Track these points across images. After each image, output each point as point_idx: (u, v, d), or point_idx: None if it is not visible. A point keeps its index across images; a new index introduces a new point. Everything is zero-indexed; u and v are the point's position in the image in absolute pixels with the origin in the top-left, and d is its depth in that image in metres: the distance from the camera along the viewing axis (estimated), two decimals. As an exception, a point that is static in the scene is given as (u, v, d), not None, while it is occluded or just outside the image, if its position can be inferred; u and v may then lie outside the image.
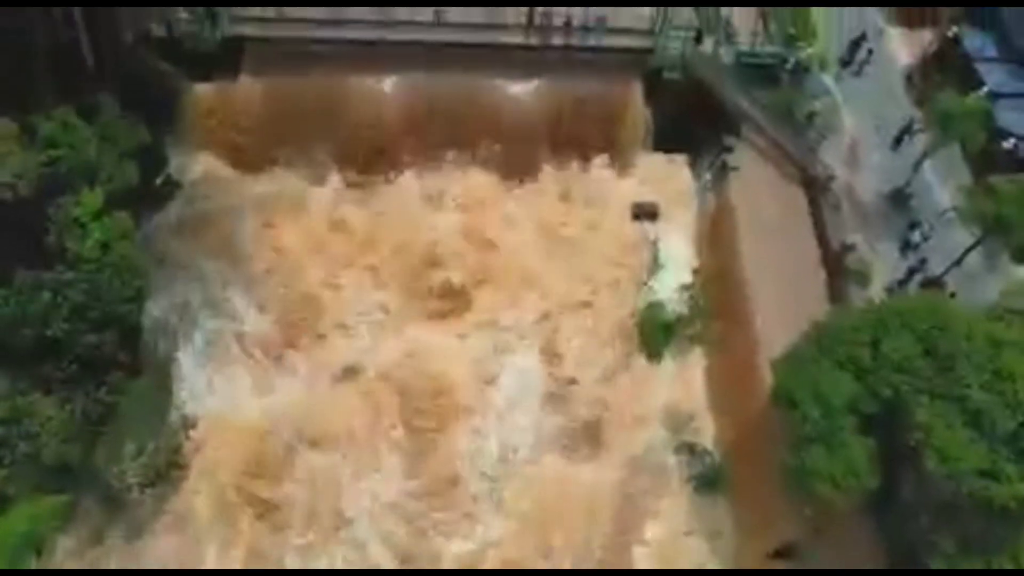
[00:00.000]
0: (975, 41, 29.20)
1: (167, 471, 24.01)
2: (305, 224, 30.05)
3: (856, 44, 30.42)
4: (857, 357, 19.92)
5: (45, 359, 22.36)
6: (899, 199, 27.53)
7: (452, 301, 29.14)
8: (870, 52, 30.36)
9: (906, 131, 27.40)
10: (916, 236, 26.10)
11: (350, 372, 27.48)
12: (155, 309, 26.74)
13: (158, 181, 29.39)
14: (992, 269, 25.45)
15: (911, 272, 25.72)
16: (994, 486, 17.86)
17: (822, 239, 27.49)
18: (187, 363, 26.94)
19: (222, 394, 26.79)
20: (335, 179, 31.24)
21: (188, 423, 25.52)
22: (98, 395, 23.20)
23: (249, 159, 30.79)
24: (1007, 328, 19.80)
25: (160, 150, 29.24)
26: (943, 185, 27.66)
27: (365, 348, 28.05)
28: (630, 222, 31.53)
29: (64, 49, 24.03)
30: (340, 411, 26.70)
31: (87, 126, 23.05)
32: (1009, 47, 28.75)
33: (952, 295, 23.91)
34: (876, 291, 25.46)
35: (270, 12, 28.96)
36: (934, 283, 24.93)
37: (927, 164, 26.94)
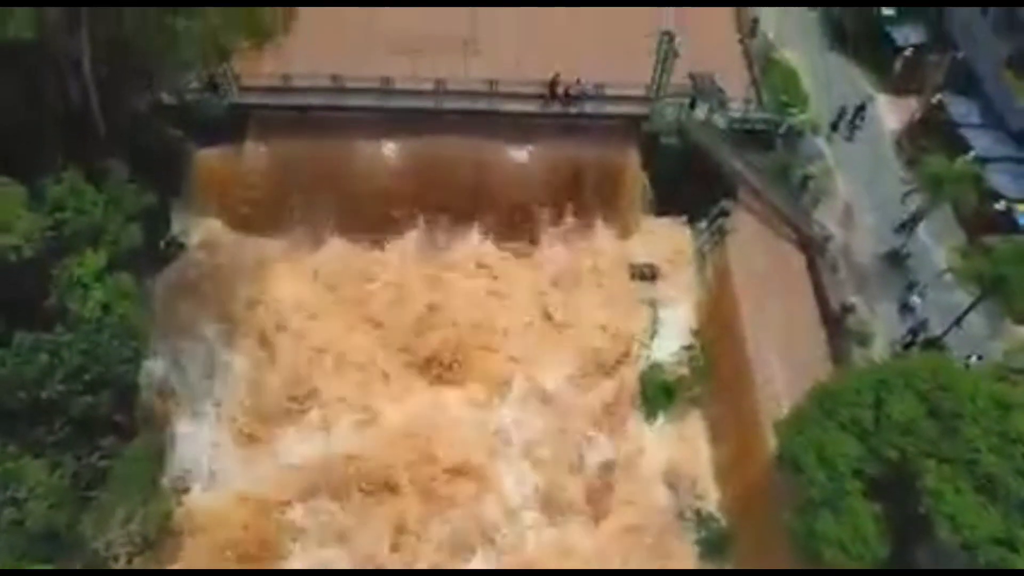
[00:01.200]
0: (960, 108, 30.04)
1: (157, 538, 23.34)
2: (305, 287, 30.23)
3: (846, 112, 31.21)
4: (860, 419, 19.65)
5: (38, 422, 22.13)
6: (896, 260, 27.77)
7: (452, 367, 28.98)
8: (862, 119, 31.10)
9: (916, 218, 27.60)
10: (915, 297, 26.12)
11: (347, 439, 27.04)
12: (153, 370, 26.63)
13: (162, 243, 29.82)
14: (993, 329, 25.42)
15: (911, 332, 25.66)
16: (1011, 556, 17.29)
17: (821, 300, 27.54)
18: (182, 426, 26.62)
19: (217, 459, 26.32)
20: (336, 243, 31.62)
21: (180, 488, 24.99)
22: (90, 459, 22.88)
23: (252, 222, 31.25)
24: (1013, 389, 19.61)
25: (165, 212, 29.78)
26: (939, 246, 27.94)
27: (362, 415, 27.71)
28: (629, 283, 31.69)
29: (76, 116, 24.77)
30: (338, 479, 26.17)
31: (95, 190, 23.54)
32: (992, 114, 29.56)
33: (969, 360, 23.62)
34: (877, 351, 25.35)
35: (276, 81, 29.98)
36: (935, 343, 24.84)
37: (922, 225, 27.27)
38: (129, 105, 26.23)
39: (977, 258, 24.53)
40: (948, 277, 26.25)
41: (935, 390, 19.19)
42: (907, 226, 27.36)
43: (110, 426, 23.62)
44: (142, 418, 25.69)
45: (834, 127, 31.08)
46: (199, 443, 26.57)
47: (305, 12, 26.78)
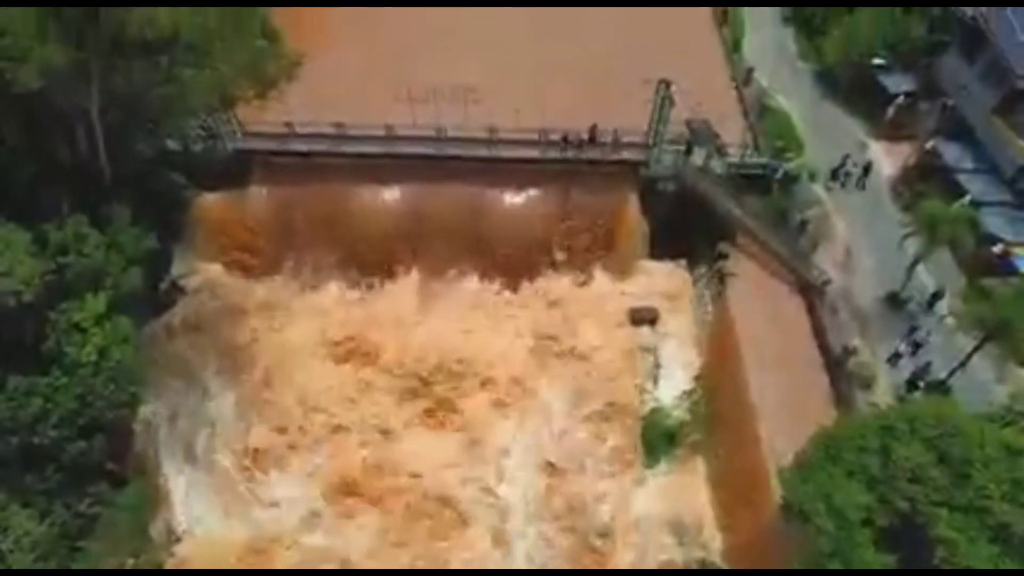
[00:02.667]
0: (953, 153, 30.48)
1: (146, 591, 22.65)
2: (304, 331, 30.11)
3: (848, 171, 31.49)
4: (867, 465, 19.25)
5: (28, 469, 21.70)
6: (896, 303, 27.73)
7: (451, 411, 28.72)
8: (866, 174, 31.34)
9: (915, 261, 27.49)
10: (913, 342, 25.93)
11: (345, 484, 26.55)
12: (148, 414, 26.34)
13: (162, 287, 29.84)
14: (997, 372, 25.20)
15: (914, 376, 25.42)
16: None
17: (822, 343, 27.39)
18: (175, 472, 26.20)
19: (210, 506, 25.79)
20: (336, 286, 31.71)
21: (172, 537, 24.36)
22: (80, 507, 22.35)
23: (253, 266, 31.43)
24: (1022, 435, 19.29)
25: (166, 256, 29.95)
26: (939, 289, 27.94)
27: (360, 459, 27.25)
28: (629, 328, 31.55)
29: (83, 162, 25.10)
30: (334, 527, 25.55)
31: (98, 234, 23.66)
32: (985, 159, 29.98)
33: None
34: (880, 395, 25.06)
35: (279, 128, 30.50)
36: (939, 387, 24.58)
37: (920, 268, 27.33)
38: (135, 151, 26.60)
39: (979, 302, 24.46)
40: (949, 320, 26.12)
41: (942, 436, 18.88)
42: (908, 269, 27.40)
43: (101, 473, 23.20)
44: (134, 464, 25.27)
45: (835, 178, 31.24)
46: (192, 489, 26.03)
47: (309, 61, 27.38)
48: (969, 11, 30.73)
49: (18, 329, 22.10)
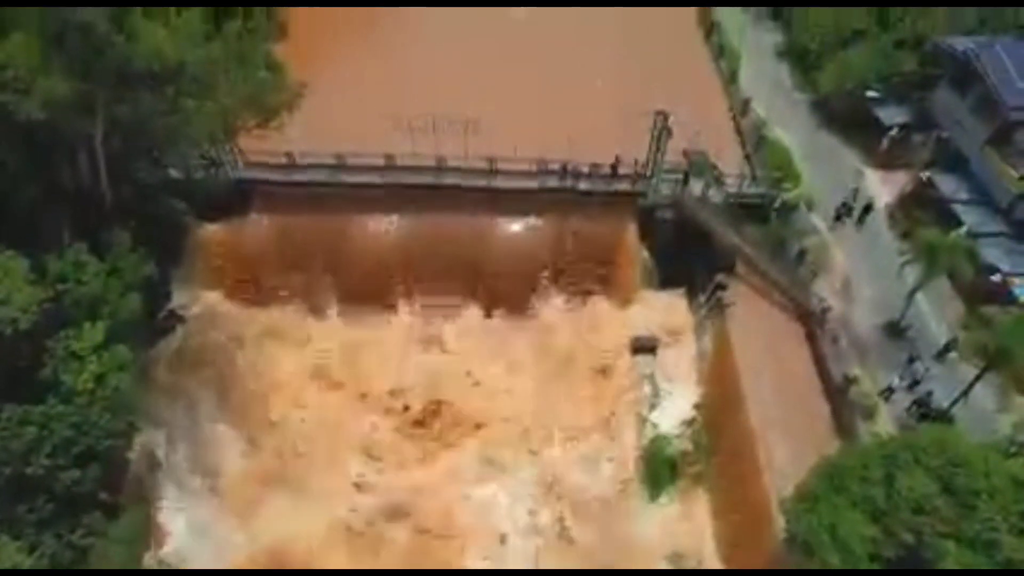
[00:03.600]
0: (949, 184, 30.73)
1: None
2: (303, 359, 30.04)
3: (849, 208, 31.57)
4: (872, 496, 18.97)
5: (19, 499, 21.33)
6: (896, 331, 27.70)
7: (449, 440, 28.48)
8: (867, 213, 31.48)
9: (914, 290, 27.36)
10: (911, 376, 25.78)
11: (341, 509, 26.18)
12: (144, 443, 26.00)
13: (160, 315, 29.76)
14: (999, 401, 25.05)
15: (915, 404, 25.27)
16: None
17: (823, 372, 27.29)
18: (170, 501, 25.84)
19: (205, 535, 25.38)
20: (335, 315, 31.70)
21: (165, 568, 23.84)
22: (71, 538, 21.89)
23: (252, 294, 31.39)
24: (1027, 465, 19.05)
25: (165, 284, 29.90)
26: (938, 317, 27.97)
27: (357, 486, 26.90)
28: (630, 357, 31.45)
29: (85, 190, 25.24)
30: (331, 557, 25.08)
31: (97, 262, 23.67)
32: (980, 190, 30.21)
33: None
34: (882, 424, 24.87)
35: (281, 158, 30.77)
36: (941, 416, 24.41)
37: (920, 297, 27.36)
38: (136, 179, 26.75)
39: (979, 330, 24.42)
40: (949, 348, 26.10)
41: (946, 465, 18.65)
42: (907, 297, 27.42)
43: (95, 503, 22.77)
44: (129, 494, 24.87)
45: (839, 218, 31.37)
46: (187, 519, 25.64)
47: (310, 92, 27.75)
48: (960, 46, 31.29)
49: (14, 357, 21.93)
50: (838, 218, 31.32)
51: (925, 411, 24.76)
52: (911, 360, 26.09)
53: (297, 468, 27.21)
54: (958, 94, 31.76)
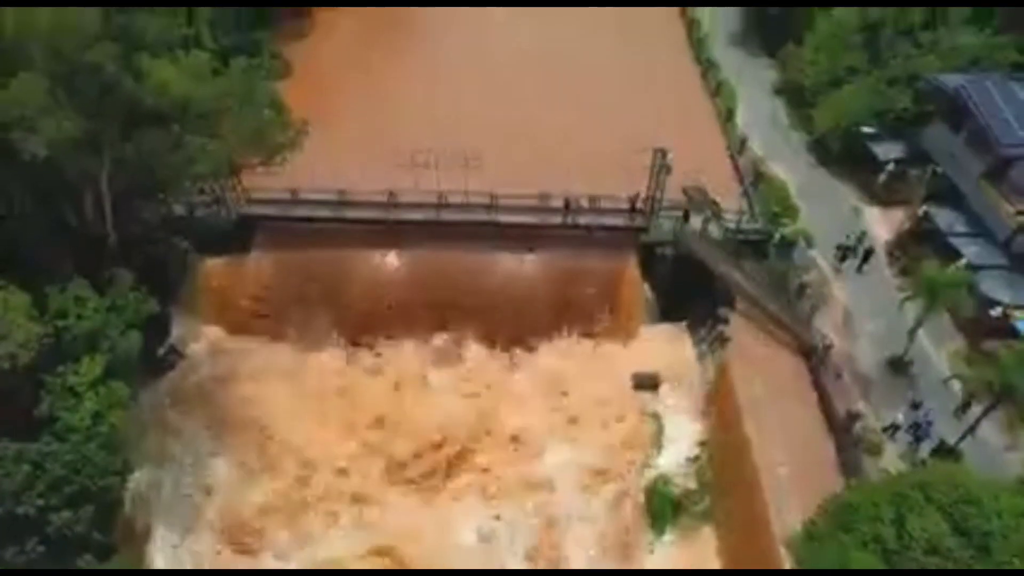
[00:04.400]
0: (946, 218, 30.91)
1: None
2: (302, 397, 29.71)
3: (852, 250, 31.38)
4: (882, 536, 18.51)
5: (8, 540, 20.89)
6: (899, 367, 27.54)
7: (450, 479, 28.11)
8: (867, 258, 31.24)
9: (915, 324, 27.12)
10: (921, 416, 25.50)
11: (339, 550, 25.65)
12: (139, 482, 25.62)
13: (160, 351, 29.62)
14: (1006, 437, 24.77)
15: (917, 440, 24.97)
16: None
17: (827, 408, 27.04)
18: (165, 543, 25.23)
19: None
20: (336, 351, 31.54)
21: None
22: (62, 580, 21.38)
23: (253, 331, 31.30)
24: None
25: (165, 320, 29.83)
26: (940, 352, 27.85)
27: (357, 530, 26.42)
28: (632, 393, 31.20)
29: (89, 227, 25.40)
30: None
31: (98, 297, 23.68)
32: (978, 223, 30.37)
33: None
34: (889, 460, 24.54)
35: (284, 194, 31.03)
36: (950, 452, 24.10)
37: (922, 332, 27.28)
38: (140, 217, 26.95)
39: (983, 366, 24.28)
40: (954, 383, 25.90)
41: (957, 504, 18.29)
42: (909, 332, 27.32)
43: (87, 544, 22.28)
44: (123, 534, 24.33)
45: (842, 261, 31.28)
46: (181, 558, 25.03)
47: (313, 129, 28.17)
48: (951, 84, 31.86)
49: (11, 393, 21.78)
50: (842, 260, 31.22)
51: (935, 448, 24.45)
52: (915, 406, 25.73)
53: (296, 505, 26.68)
54: (951, 130, 32.19)
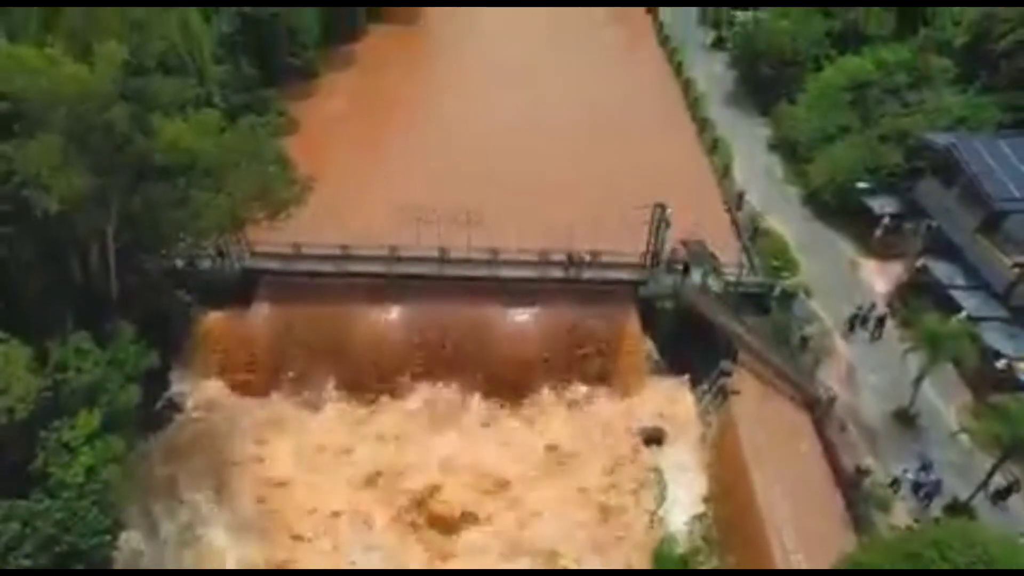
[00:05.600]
0: (944, 271, 31.16)
1: None
2: (301, 452, 29.25)
3: (864, 318, 30.96)
4: (896, 598, 18.02)
5: (-4, 601, 20.19)
6: (905, 420, 27.25)
7: (450, 536, 27.37)
8: (881, 325, 30.79)
9: (920, 377, 26.85)
10: (931, 477, 25.03)
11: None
12: (131, 541, 24.85)
13: (158, 405, 29.28)
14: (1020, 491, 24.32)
15: (927, 497, 24.45)
16: None
17: (833, 463, 26.59)
18: (154, 606, 24.34)
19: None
20: (336, 406, 31.12)
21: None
22: (46, 648, 20.50)
23: (253, 384, 31.03)
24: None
25: (165, 372, 29.59)
26: (947, 405, 27.61)
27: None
28: (634, 448, 30.71)
29: (93, 280, 25.49)
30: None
31: (99, 350, 23.56)
32: (976, 275, 30.60)
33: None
34: (900, 516, 23.98)
35: (287, 248, 31.30)
36: (962, 508, 23.59)
37: (927, 384, 27.10)
38: (143, 269, 27.10)
39: (992, 420, 24.03)
40: (962, 437, 25.58)
41: (974, 563, 17.80)
42: (914, 384, 27.12)
43: (75, 606, 21.51)
44: (112, 597, 23.52)
45: (852, 329, 30.86)
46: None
47: (320, 186, 28.64)
48: (941, 141, 32.69)
49: (5, 448, 21.41)
50: (851, 329, 30.78)
51: (948, 504, 23.93)
52: (923, 467, 25.31)
53: (294, 561, 25.85)
54: (944, 185, 32.85)
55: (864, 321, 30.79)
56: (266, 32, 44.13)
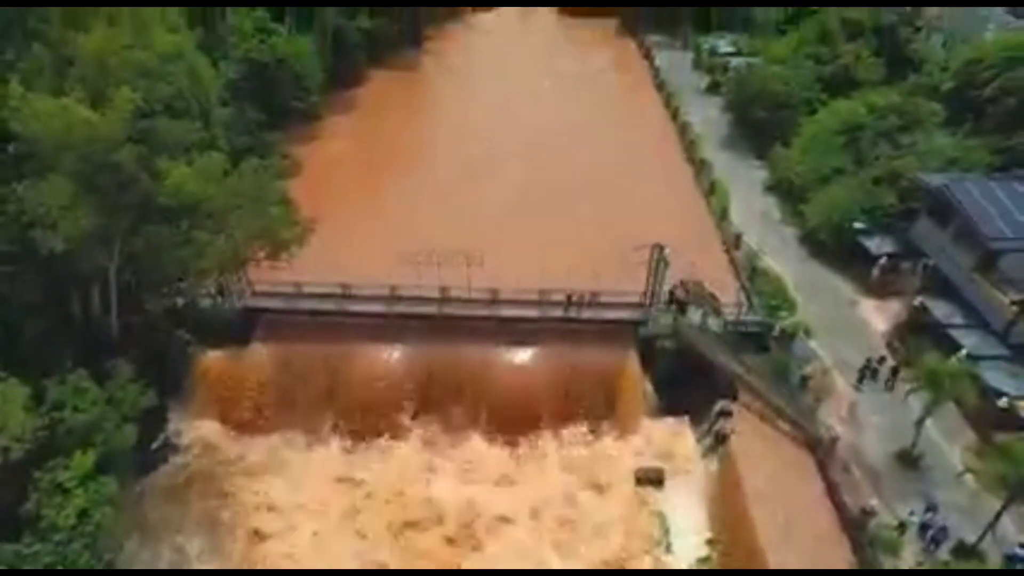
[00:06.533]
0: (943, 309, 31.22)
1: None
2: (298, 493, 28.79)
3: (875, 370, 30.25)
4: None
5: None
6: (909, 460, 26.93)
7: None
8: (894, 371, 30.01)
9: (922, 417, 26.32)
10: (937, 520, 24.69)
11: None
12: (121, 586, 24.29)
13: (155, 444, 29.00)
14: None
15: (934, 541, 23.98)
16: None
17: (837, 504, 26.17)
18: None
19: None
20: (334, 445, 30.86)
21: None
22: None
23: (250, 424, 30.81)
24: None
25: (163, 411, 29.40)
26: (950, 444, 27.34)
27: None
28: (635, 489, 30.28)
29: (93, 319, 25.56)
30: None
31: (97, 389, 23.48)
32: (974, 315, 30.66)
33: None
34: (908, 559, 23.49)
35: (288, 287, 31.45)
36: (971, 551, 23.12)
37: (930, 424, 26.89)
38: (143, 308, 27.19)
39: (996, 460, 23.78)
40: (967, 477, 25.25)
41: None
42: (916, 424, 26.88)
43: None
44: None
45: (862, 379, 30.16)
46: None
47: (322, 227, 28.96)
48: (933, 183, 33.18)
49: (-1, 489, 21.18)
50: (860, 380, 30.10)
51: (956, 547, 23.47)
52: (929, 509, 24.91)
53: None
54: (938, 225, 33.18)
55: (875, 373, 30.04)
56: (271, 78, 45.36)
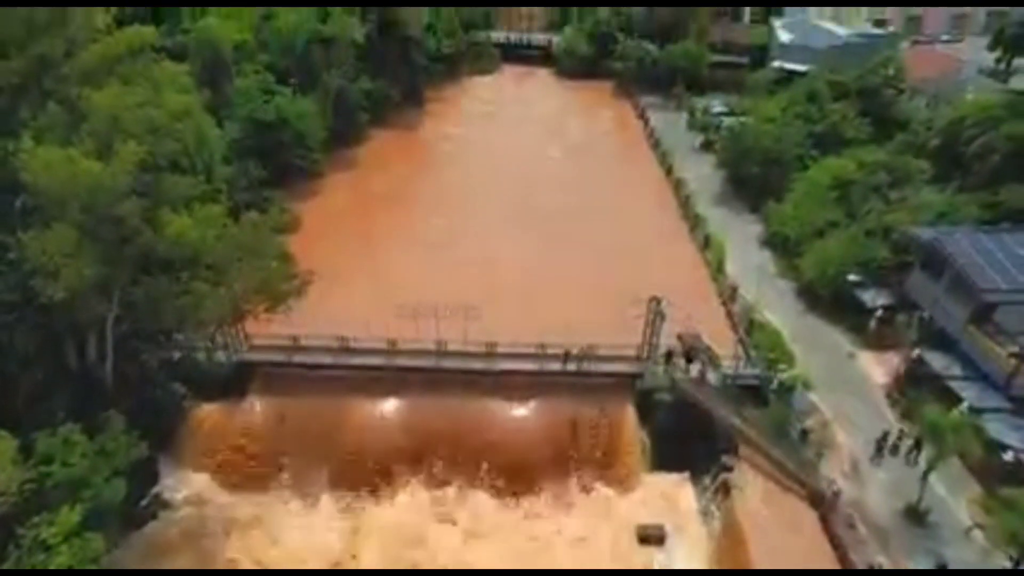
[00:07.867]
0: (940, 361, 31.13)
1: None
2: (293, 550, 27.98)
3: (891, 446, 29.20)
4: None
5: None
6: (915, 515, 26.34)
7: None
8: (917, 444, 28.40)
9: (926, 471, 25.89)
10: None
11: None
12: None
13: (145, 500, 28.33)
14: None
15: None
16: None
17: (843, 560, 25.43)
18: None
19: None
20: (330, 502, 30.17)
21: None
22: None
23: (243, 480, 30.20)
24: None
25: (153, 465, 28.85)
26: (956, 498, 26.80)
27: None
28: (637, 547, 29.46)
29: (88, 370, 25.41)
30: None
31: (87, 442, 23.11)
32: (973, 366, 30.55)
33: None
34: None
35: (285, 340, 31.39)
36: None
37: (934, 478, 26.42)
38: (139, 359, 27.08)
39: (1004, 515, 23.27)
40: (976, 533, 24.66)
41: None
42: (921, 479, 26.38)
43: None
44: None
45: (880, 453, 28.99)
46: None
47: (320, 281, 29.15)
48: (925, 236, 33.63)
49: (-21, 547, 20.55)
50: (879, 452, 28.89)
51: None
52: (938, 568, 24.32)
53: None
54: (932, 278, 33.43)
55: (895, 448, 28.87)
56: (274, 137, 46.53)
